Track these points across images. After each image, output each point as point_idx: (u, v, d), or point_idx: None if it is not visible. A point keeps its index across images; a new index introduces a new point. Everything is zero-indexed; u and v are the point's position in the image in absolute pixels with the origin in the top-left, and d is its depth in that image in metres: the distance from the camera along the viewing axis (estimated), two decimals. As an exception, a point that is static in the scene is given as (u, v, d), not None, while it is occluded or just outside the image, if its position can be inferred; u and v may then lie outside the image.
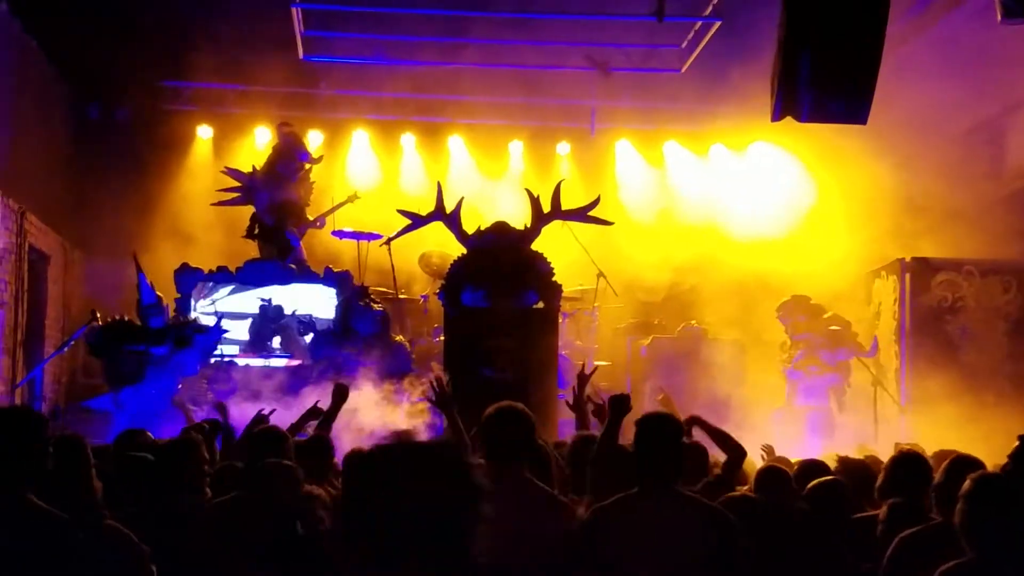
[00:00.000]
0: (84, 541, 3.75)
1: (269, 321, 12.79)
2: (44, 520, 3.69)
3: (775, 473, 5.75)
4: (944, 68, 11.15)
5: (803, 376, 12.75)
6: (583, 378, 6.95)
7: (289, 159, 13.30)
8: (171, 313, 11.90)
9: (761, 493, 5.55)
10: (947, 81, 11.21)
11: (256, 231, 13.22)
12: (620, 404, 5.28)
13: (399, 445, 2.27)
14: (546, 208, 10.58)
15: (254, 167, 13.43)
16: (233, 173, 13.39)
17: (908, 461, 5.40)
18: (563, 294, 10.82)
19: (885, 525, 5.00)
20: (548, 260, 10.55)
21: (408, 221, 10.96)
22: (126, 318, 11.45)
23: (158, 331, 11.39)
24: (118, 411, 10.91)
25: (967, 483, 3.92)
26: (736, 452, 6.00)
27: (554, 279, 10.52)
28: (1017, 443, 5.09)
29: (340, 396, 7.04)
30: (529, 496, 4.52)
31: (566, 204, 10.69)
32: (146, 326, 11.38)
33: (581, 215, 10.85)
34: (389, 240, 12.07)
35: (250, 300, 12.96)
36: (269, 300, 12.76)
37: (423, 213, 10.86)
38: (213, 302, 13.06)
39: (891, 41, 6.86)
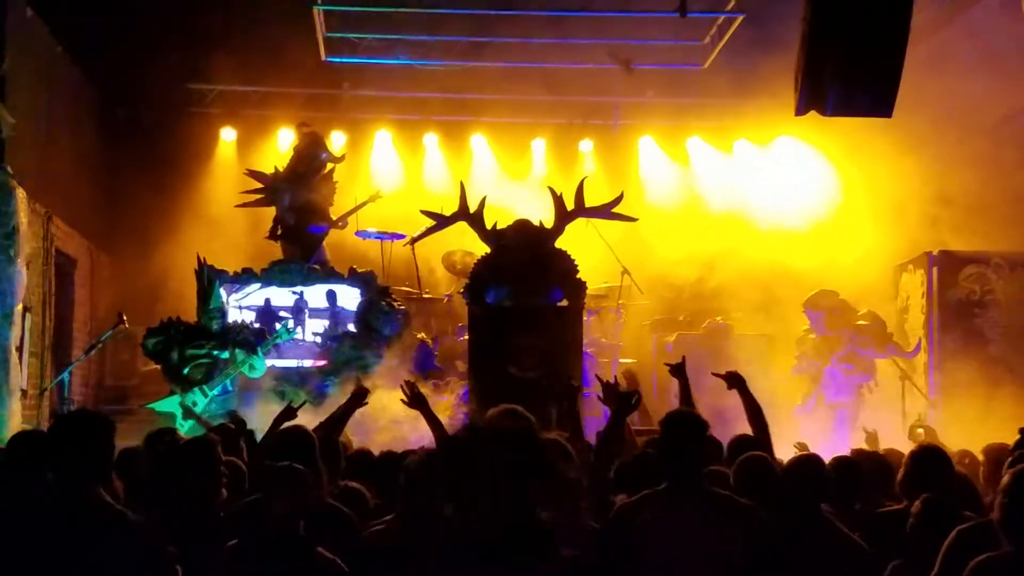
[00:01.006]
0: (114, 540, 3.80)
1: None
2: (112, 515, 3.87)
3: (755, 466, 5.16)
4: (972, 59, 11.03)
5: (839, 373, 12.62)
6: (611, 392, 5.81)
7: (310, 159, 13.30)
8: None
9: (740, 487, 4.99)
10: (975, 72, 11.09)
11: (279, 232, 13.24)
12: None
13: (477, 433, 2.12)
14: (569, 206, 10.52)
15: (276, 168, 13.45)
16: (255, 175, 13.42)
17: (927, 455, 5.29)
18: (588, 291, 10.76)
19: (918, 520, 4.91)
20: (572, 257, 10.48)
21: (432, 222, 10.94)
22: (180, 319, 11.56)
23: (218, 334, 11.48)
24: (184, 413, 10.97)
25: (1005, 477, 3.86)
26: (762, 432, 5.85)
27: (578, 276, 10.44)
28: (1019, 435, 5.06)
29: (356, 400, 6.76)
30: None
31: (590, 201, 10.63)
32: (208, 330, 11.46)
33: (605, 212, 10.79)
34: (413, 241, 12.06)
35: (284, 295, 12.90)
36: (301, 293, 12.73)
37: (446, 213, 10.81)
38: (247, 295, 13.04)
39: (917, 32, 6.79)
